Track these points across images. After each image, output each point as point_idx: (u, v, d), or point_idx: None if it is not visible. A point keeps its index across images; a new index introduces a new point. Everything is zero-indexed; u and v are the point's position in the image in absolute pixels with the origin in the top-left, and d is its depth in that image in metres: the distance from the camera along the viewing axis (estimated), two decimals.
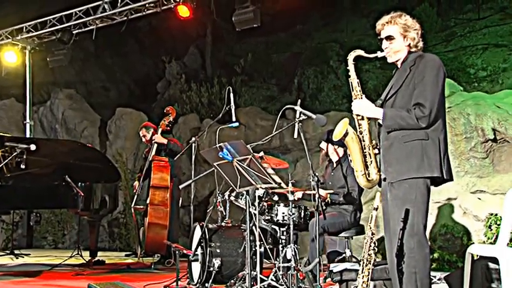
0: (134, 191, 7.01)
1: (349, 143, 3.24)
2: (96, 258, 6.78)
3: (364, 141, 3.23)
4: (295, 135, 4.31)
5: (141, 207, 6.85)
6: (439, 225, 6.21)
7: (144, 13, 8.09)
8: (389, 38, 3.25)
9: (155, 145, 6.75)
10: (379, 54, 3.30)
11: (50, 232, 10.55)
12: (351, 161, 3.29)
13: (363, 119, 3.24)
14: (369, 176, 3.21)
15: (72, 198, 6.11)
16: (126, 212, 9.78)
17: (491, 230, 5.78)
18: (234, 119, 5.20)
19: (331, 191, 5.16)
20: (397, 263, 3.10)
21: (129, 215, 9.61)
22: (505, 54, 9.31)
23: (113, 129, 10.91)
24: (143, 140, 7.13)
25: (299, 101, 4.45)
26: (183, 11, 7.58)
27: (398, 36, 3.23)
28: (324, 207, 4.83)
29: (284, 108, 4.49)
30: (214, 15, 7.53)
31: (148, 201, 6.52)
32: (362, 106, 3.22)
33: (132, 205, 6.85)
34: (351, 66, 3.32)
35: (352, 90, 3.29)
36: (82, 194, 6.12)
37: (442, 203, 6.33)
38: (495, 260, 3.58)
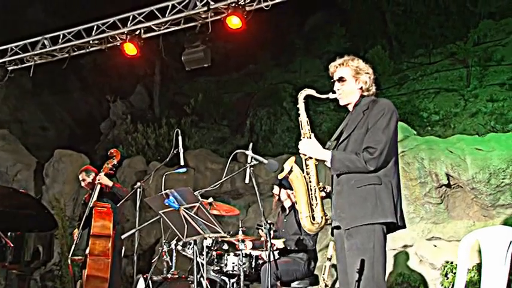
0: (74, 240, 6.51)
1: (294, 181, 3.19)
2: None
3: (310, 182, 3.18)
4: (247, 180, 4.21)
5: (79, 257, 6.38)
6: (396, 273, 6.13)
7: (87, 50, 7.72)
8: (341, 79, 3.30)
9: (97, 190, 6.32)
10: (331, 95, 3.33)
11: None
12: (295, 202, 3.16)
13: (310, 158, 3.19)
14: (313, 219, 3.13)
15: None
16: (62, 263, 9.17)
17: (448, 278, 5.79)
18: (182, 163, 5.03)
19: (284, 239, 4.96)
20: None
21: (65, 266, 9.01)
22: (456, 98, 9.60)
23: (50, 173, 10.30)
24: (82, 184, 6.66)
25: (251, 144, 4.34)
26: (130, 49, 7.31)
27: (350, 78, 3.26)
28: (278, 257, 4.71)
29: (235, 152, 4.40)
30: (163, 54, 7.24)
31: (87, 252, 6.07)
32: (310, 146, 3.22)
33: (69, 256, 6.35)
34: (301, 105, 3.31)
35: (301, 129, 3.30)
36: (11, 245, 5.65)
37: (398, 250, 6.28)
38: None
